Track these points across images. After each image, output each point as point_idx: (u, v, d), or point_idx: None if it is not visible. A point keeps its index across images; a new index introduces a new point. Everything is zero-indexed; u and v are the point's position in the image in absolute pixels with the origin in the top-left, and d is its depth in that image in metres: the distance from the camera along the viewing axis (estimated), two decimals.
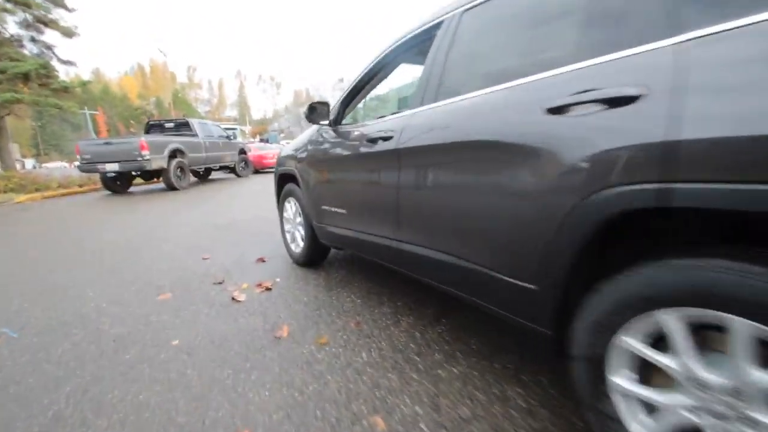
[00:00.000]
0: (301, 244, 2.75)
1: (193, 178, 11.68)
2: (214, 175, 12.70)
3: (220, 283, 2.51)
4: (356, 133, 2.00)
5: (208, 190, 9.06)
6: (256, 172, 13.91)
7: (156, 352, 1.68)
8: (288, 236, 2.95)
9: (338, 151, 2.14)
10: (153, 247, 3.62)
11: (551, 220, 1.01)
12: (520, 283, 1.13)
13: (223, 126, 13.07)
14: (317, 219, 2.42)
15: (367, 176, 1.87)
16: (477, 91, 1.28)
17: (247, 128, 47.28)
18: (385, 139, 1.68)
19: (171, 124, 10.37)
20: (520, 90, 1.13)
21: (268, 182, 9.78)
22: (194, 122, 10.28)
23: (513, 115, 1.12)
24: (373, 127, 1.87)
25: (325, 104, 2.19)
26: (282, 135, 38.77)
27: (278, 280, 2.52)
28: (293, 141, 2.87)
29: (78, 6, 13.62)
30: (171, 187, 8.88)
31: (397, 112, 1.77)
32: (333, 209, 2.20)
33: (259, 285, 2.42)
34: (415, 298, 2.16)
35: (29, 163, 49.27)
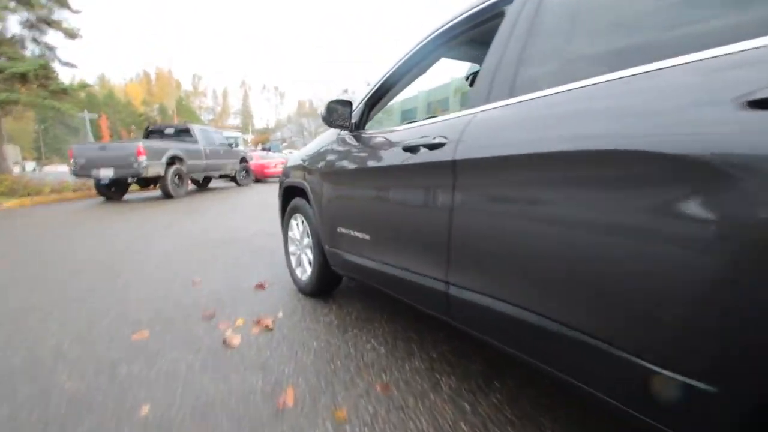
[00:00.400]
0: (309, 269, 2.32)
1: (191, 186, 11.32)
2: (213, 183, 12.32)
3: (210, 317, 2.07)
4: (387, 139, 1.59)
5: (206, 199, 8.65)
6: (257, 181, 13.57)
7: (116, 429, 1.24)
8: (293, 259, 2.52)
9: (362, 161, 1.73)
10: (137, 265, 3.18)
11: (760, 285, 0.59)
12: (678, 377, 0.70)
13: (226, 134, 12.74)
14: (330, 243, 1.99)
15: (402, 195, 1.46)
16: (594, 79, 0.87)
17: (250, 137, 47.10)
18: (433, 147, 1.27)
19: (171, 130, 10.01)
20: (689, 73, 0.71)
21: (270, 192, 9.39)
22: (195, 128, 9.93)
23: (676, 111, 0.71)
24: (412, 131, 1.46)
25: (347, 104, 1.79)
26: (284, 144, 38.50)
27: (280, 315, 2.09)
28: (304, 148, 2.47)
29: (84, 9, 13.39)
30: (168, 195, 8.48)
31: (446, 114, 1.37)
32: (352, 233, 1.78)
33: (258, 322, 1.98)
34: (452, 345, 1.73)
35: (29, 166, 48.99)
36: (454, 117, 1.27)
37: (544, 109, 0.97)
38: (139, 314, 2.15)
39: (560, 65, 1.02)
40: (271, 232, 4.28)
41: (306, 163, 2.23)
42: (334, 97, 1.74)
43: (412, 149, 1.37)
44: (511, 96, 1.09)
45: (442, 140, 1.23)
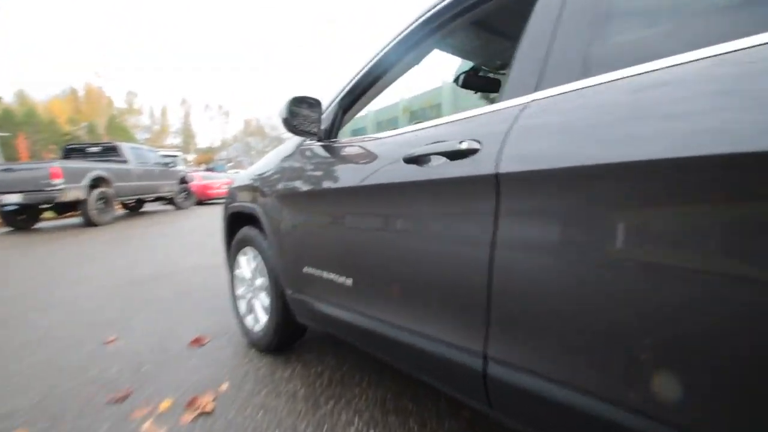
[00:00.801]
0: (263, 318, 1.80)
1: (122, 211, 10.14)
2: (149, 206, 11.13)
3: (122, 399, 1.48)
4: (375, 148, 1.17)
5: (137, 225, 7.65)
6: (200, 203, 12.54)
7: None
8: (242, 304, 1.98)
9: (338, 179, 1.29)
10: (34, 318, 2.44)
11: None
12: None
13: (162, 153, 11.67)
14: (294, 286, 1.51)
15: (405, 224, 1.03)
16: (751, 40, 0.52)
17: (191, 156, 44.61)
18: (456, 155, 0.86)
19: (96, 149, 8.88)
20: None
21: (213, 215, 8.53)
22: (124, 147, 8.89)
23: None
24: (413, 136, 1.06)
25: (316, 105, 1.35)
26: (230, 164, 36.82)
27: (225, 387, 1.54)
28: (255, 164, 1.98)
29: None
30: (90, 223, 7.38)
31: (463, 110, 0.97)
32: (325, 275, 1.32)
33: (192, 402, 1.43)
34: (460, 419, 1.31)
35: None
36: (485, 112, 0.88)
37: (656, 91, 0.60)
38: (17, 399, 1.50)
39: (676, 23, 0.67)
40: (214, 265, 3.64)
41: (258, 182, 1.75)
42: (299, 94, 1.29)
43: (418, 160, 0.96)
44: (585, 75, 0.72)
45: (473, 145, 0.83)
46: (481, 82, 1.78)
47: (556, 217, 0.70)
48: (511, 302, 0.77)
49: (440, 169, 0.90)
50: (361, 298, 1.19)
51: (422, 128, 1.05)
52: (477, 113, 0.90)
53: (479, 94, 2.30)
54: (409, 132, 1.09)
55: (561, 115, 0.72)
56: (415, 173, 0.97)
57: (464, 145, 0.84)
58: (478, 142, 0.83)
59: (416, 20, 1.18)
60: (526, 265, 0.74)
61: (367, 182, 1.13)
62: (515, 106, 0.81)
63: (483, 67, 1.75)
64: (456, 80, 1.75)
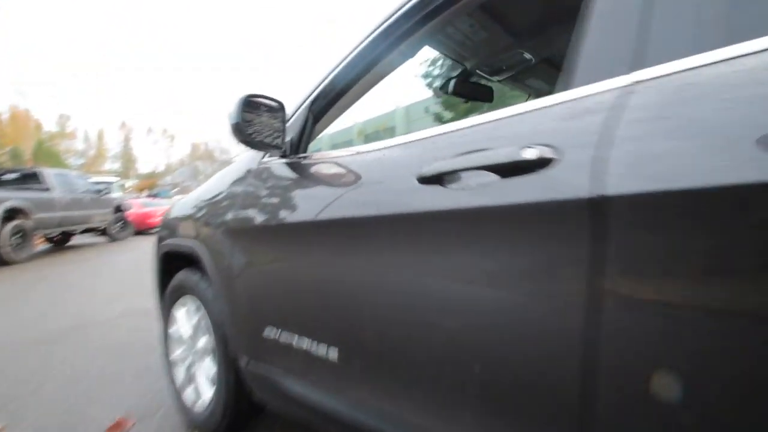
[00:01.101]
0: (208, 392, 1.37)
1: (45, 245, 8.94)
2: (79, 239, 9.92)
3: None
4: (365, 165, 0.85)
5: (61, 262, 6.68)
6: (139, 233, 11.43)
7: None
8: (179, 372, 1.53)
9: (314, 207, 0.94)
10: None
11: None
12: None
13: (95, 179, 10.59)
14: (251, 353, 1.12)
15: (420, 275, 0.70)
16: None
17: (132, 182, 41.71)
18: (510, 170, 0.56)
19: (12, 176, 7.82)
20: None
21: (152, 247, 7.65)
22: (48, 173, 7.88)
23: None
24: (430, 144, 0.74)
25: (278, 109, 1.00)
26: (175, 190, 34.66)
27: None
28: (197, 189, 1.57)
29: None
30: (2, 261, 6.33)
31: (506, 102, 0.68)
32: (297, 342, 0.94)
33: None
34: None
35: None
36: (548, 104, 0.59)
37: None
38: None
39: None
40: (149, 310, 3.06)
41: (201, 212, 1.35)
42: (254, 93, 0.95)
43: (441, 179, 0.65)
44: (729, 39, 0.45)
45: (544, 153, 0.53)
46: (473, 89, 1.53)
47: (723, 261, 0.41)
48: (630, 405, 0.47)
49: (483, 192, 0.59)
50: (352, 378, 0.83)
51: (440, 134, 0.73)
52: (533, 107, 0.61)
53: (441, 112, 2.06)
54: (418, 140, 0.77)
55: (704, 100, 0.44)
56: (438, 199, 0.65)
57: (530, 154, 0.54)
58: (551, 147, 0.53)
59: (406, 3, 0.90)
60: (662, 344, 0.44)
61: (358, 213, 0.79)
62: (605, 91, 0.52)
63: (477, 71, 1.50)
64: (444, 87, 1.49)
